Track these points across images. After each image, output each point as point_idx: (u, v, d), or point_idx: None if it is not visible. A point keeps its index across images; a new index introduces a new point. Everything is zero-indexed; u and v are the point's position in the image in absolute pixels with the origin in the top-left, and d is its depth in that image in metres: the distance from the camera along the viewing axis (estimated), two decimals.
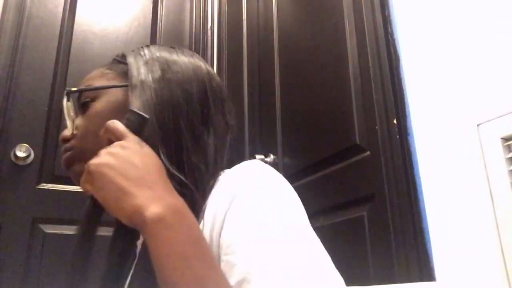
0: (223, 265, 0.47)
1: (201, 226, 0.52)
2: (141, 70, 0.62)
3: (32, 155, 1.54)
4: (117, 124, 0.52)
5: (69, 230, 1.51)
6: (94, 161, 0.48)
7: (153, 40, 1.92)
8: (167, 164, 0.55)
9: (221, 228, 0.50)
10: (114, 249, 0.61)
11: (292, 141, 1.48)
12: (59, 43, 1.72)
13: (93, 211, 0.51)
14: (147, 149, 0.51)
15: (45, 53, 1.68)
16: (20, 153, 1.51)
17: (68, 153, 0.63)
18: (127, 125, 0.53)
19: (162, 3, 2.02)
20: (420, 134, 1.01)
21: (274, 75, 1.62)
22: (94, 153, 0.58)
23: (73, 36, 1.75)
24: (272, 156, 1.51)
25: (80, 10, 1.80)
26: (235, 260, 0.46)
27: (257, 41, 1.81)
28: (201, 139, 0.60)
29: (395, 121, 1.06)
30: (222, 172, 0.60)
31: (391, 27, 1.13)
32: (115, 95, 0.62)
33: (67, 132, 0.63)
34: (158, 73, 0.61)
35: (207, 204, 0.54)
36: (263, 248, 0.46)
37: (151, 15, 1.96)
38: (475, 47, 0.92)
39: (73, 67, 1.71)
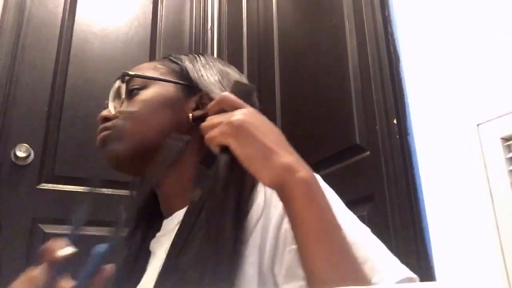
0: (292, 253, 0.48)
1: (254, 216, 0.53)
2: (200, 72, 0.66)
3: (32, 155, 1.54)
4: (233, 96, 0.52)
5: (69, 230, 1.51)
6: (239, 117, 0.48)
7: (153, 40, 1.92)
8: None
9: (280, 222, 0.52)
10: (130, 246, 0.61)
11: (292, 141, 1.48)
12: (59, 43, 1.72)
13: (232, 165, 0.49)
14: (267, 119, 0.52)
15: (45, 53, 1.68)
16: (20, 153, 1.51)
17: (107, 131, 0.64)
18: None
19: (162, 3, 2.01)
20: (420, 134, 1.01)
21: (274, 75, 1.62)
22: (136, 137, 0.61)
23: (73, 36, 1.75)
24: None
25: (80, 10, 1.80)
26: None
27: (257, 41, 1.81)
28: None
29: (395, 121, 1.06)
30: None
31: (391, 27, 1.13)
32: (166, 88, 0.65)
33: (108, 112, 0.65)
34: (217, 76, 0.66)
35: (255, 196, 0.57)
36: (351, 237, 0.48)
37: (151, 15, 1.96)
38: (475, 47, 0.92)
39: (73, 67, 1.71)
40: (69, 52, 1.72)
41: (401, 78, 1.08)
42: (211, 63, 0.68)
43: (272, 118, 1.62)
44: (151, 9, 1.97)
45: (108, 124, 0.64)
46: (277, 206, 0.53)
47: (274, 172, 0.45)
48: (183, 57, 0.69)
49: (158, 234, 0.64)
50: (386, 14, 1.15)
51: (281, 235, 0.51)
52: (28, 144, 1.53)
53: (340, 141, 1.24)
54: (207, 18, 2.07)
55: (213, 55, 2.00)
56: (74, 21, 1.77)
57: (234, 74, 0.69)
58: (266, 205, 0.54)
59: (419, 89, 1.04)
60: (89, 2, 1.83)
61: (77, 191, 1.57)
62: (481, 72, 0.90)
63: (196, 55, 0.70)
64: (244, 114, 0.49)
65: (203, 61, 0.68)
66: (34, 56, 1.66)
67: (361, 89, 1.19)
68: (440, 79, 0.98)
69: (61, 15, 1.76)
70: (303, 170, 0.45)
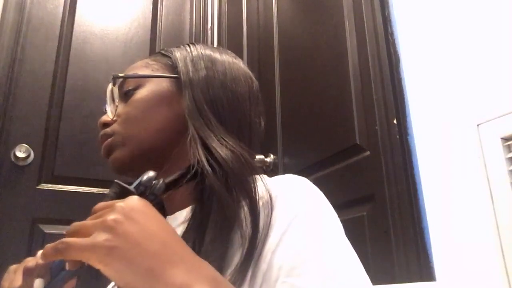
0: (285, 286, 0.45)
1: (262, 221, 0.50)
2: (188, 67, 0.63)
3: (32, 155, 1.54)
4: (102, 203, 0.44)
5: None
6: (112, 217, 0.39)
7: (153, 40, 1.92)
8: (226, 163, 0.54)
9: (276, 246, 0.48)
10: None
11: (292, 141, 1.48)
12: (59, 43, 1.72)
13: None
14: (151, 210, 0.43)
15: (45, 53, 1.68)
16: (20, 153, 1.51)
17: (110, 139, 0.62)
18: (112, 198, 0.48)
19: (162, 3, 2.01)
20: (420, 134, 1.01)
21: (274, 75, 1.62)
22: (136, 138, 0.60)
23: (73, 36, 1.75)
24: (272, 156, 1.51)
25: (80, 10, 1.80)
26: (301, 283, 0.45)
27: (257, 41, 1.81)
28: (241, 137, 0.61)
29: (395, 121, 1.06)
30: (260, 177, 0.58)
31: (391, 27, 1.13)
32: (160, 84, 0.63)
33: (107, 117, 0.64)
34: (203, 71, 0.63)
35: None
36: (330, 274, 0.46)
37: (151, 15, 1.96)
38: (475, 47, 0.92)
39: (73, 67, 1.71)
40: (69, 52, 1.72)
41: (401, 78, 1.08)
42: (201, 54, 0.65)
43: (272, 118, 1.63)
44: (151, 9, 1.98)
45: (108, 130, 0.63)
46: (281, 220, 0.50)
47: None
48: (174, 49, 0.67)
49: None
50: (386, 14, 1.15)
51: (276, 262, 0.47)
52: (28, 144, 1.54)
53: (340, 141, 1.24)
54: (207, 18, 2.07)
55: None
56: (74, 21, 1.78)
57: (228, 58, 0.66)
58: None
59: (419, 89, 1.04)
60: (89, 2, 1.83)
61: (77, 191, 1.58)
62: (481, 72, 0.90)
63: (187, 46, 0.67)
64: (121, 211, 0.40)
65: (193, 53, 0.65)
66: (34, 56, 1.66)
67: (361, 89, 1.19)
68: (440, 79, 0.98)
69: (61, 15, 1.76)
70: (199, 284, 0.38)
